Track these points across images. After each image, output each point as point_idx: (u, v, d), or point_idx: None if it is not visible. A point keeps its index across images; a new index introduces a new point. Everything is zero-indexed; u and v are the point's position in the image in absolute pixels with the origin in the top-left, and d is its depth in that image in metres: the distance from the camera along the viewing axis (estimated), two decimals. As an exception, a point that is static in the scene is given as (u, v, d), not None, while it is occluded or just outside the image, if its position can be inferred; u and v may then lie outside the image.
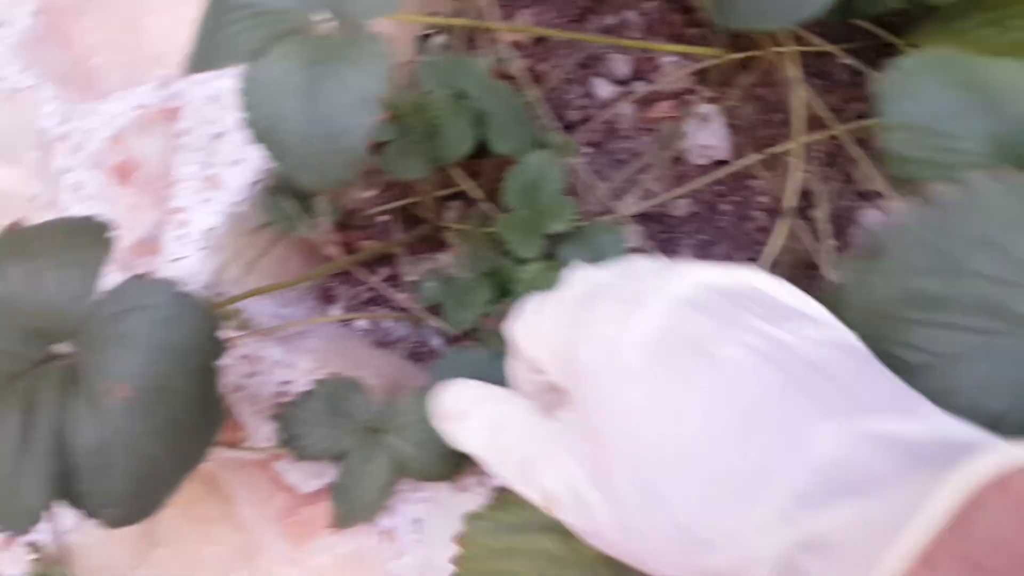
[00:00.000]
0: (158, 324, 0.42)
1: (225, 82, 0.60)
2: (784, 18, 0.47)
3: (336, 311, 0.66)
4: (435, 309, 0.63)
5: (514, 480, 0.33)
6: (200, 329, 0.44)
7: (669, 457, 0.26)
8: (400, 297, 0.66)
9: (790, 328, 0.27)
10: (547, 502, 0.31)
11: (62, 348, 0.43)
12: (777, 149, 0.66)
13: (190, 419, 0.43)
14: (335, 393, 0.52)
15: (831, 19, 0.65)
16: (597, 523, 0.29)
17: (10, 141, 0.62)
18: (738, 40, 0.69)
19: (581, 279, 0.32)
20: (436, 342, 0.65)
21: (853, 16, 0.48)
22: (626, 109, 0.71)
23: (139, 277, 0.43)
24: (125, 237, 0.57)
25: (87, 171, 0.60)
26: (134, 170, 0.59)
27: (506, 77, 0.72)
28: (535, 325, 0.33)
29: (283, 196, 0.59)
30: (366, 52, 0.44)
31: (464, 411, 0.35)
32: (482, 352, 0.55)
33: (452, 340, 0.64)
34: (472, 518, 0.39)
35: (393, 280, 0.67)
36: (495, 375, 0.55)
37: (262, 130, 0.45)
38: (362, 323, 0.66)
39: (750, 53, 0.70)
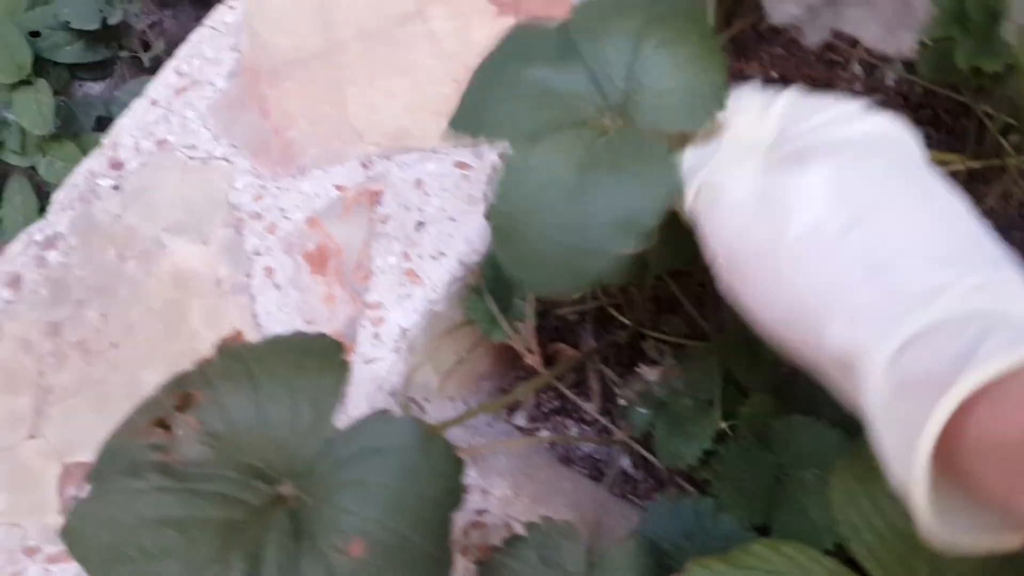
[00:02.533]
0: (401, 472, 0.37)
1: (430, 166, 0.54)
2: None
3: (520, 419, 0.59)
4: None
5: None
6: (445, 476, 0.38)
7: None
8: (589, 407, 0.59)
9: None
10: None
11: (286, 489, 0.37)
12: None
13: (423, 581, 0.37)
14: (547, 541, 0.46)
15: None
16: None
17: (198, 216, 0.56)
18: (980, 149, 0.62)
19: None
20: (625, 462, 0.59)
21: None
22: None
23: (382, 414, 0.37)
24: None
25: (280, 255, 0.54)
26: (330, 257, 0.53)
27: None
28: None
29: (485, 296, 0.53)
30: (652, 168, 0.38)
31: None
32: (704, 503, 0.48)
33: (644, 463, 0.57)
34: None
35: (582, 387, 0.60)
36: (716, 533, 0.47)
37: (507, 221, 0.39)
38: (545, 433, 0.60)
39: (989, 162, 0.62)
